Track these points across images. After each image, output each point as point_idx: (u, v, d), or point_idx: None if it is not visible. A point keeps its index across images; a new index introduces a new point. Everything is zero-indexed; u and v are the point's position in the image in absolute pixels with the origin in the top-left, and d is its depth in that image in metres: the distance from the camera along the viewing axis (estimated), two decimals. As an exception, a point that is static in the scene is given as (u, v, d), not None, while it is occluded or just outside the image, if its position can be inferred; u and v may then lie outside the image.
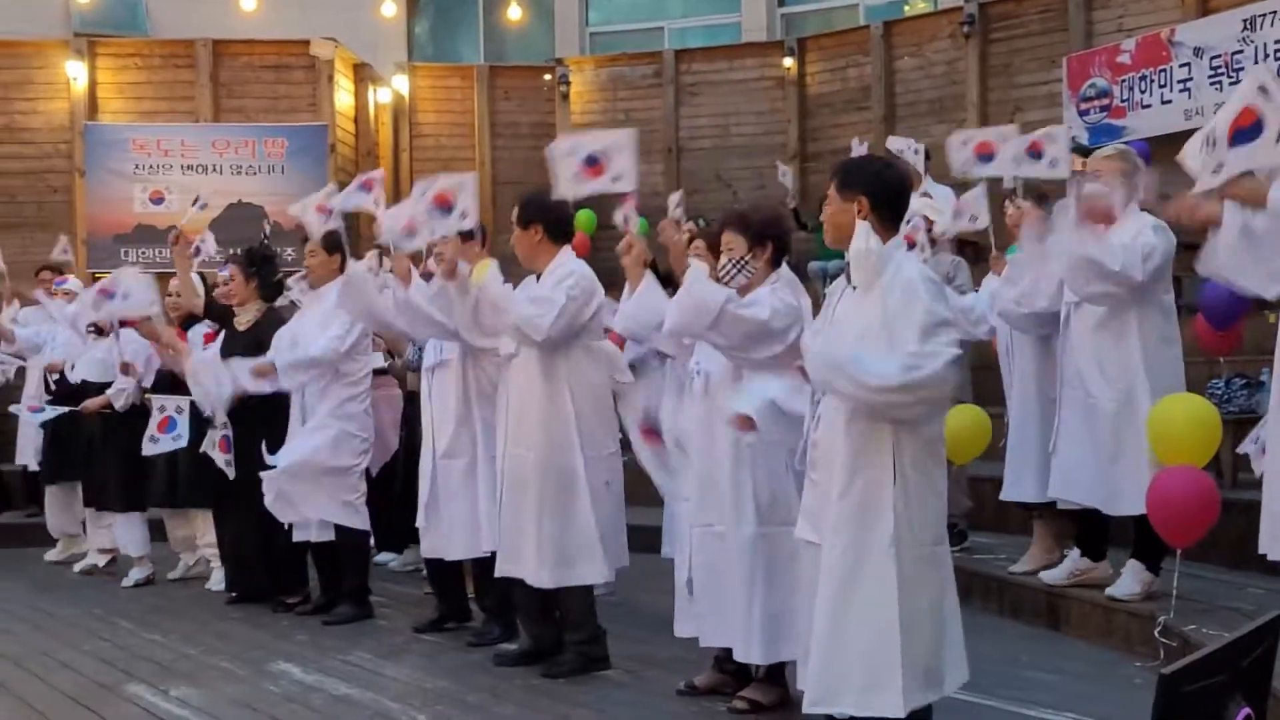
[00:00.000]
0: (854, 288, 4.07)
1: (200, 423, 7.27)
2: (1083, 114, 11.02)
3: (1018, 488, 6.65)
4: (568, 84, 13.67)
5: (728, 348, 4.89)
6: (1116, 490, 5.81)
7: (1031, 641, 6.17)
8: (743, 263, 4.95)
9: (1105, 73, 10.94)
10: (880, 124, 12.39)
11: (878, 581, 3.92)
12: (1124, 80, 10.79)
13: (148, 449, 7.54)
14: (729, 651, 5.14)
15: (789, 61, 13.14)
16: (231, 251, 9.40)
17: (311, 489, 6.83)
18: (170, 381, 7.75)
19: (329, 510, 6.87)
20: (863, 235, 4.03)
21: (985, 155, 6.38)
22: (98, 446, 8.19)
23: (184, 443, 7.48)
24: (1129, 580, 5.93)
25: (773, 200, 10.96)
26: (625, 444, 5.89)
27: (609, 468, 5.75)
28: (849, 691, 3.96)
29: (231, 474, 7.07)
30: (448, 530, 6.33)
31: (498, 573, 5.80)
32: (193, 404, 7.33)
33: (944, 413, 4.14)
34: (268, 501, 6.84)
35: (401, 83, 13.76)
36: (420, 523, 6.46)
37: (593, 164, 5.37)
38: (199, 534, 8.09)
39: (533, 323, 5.45)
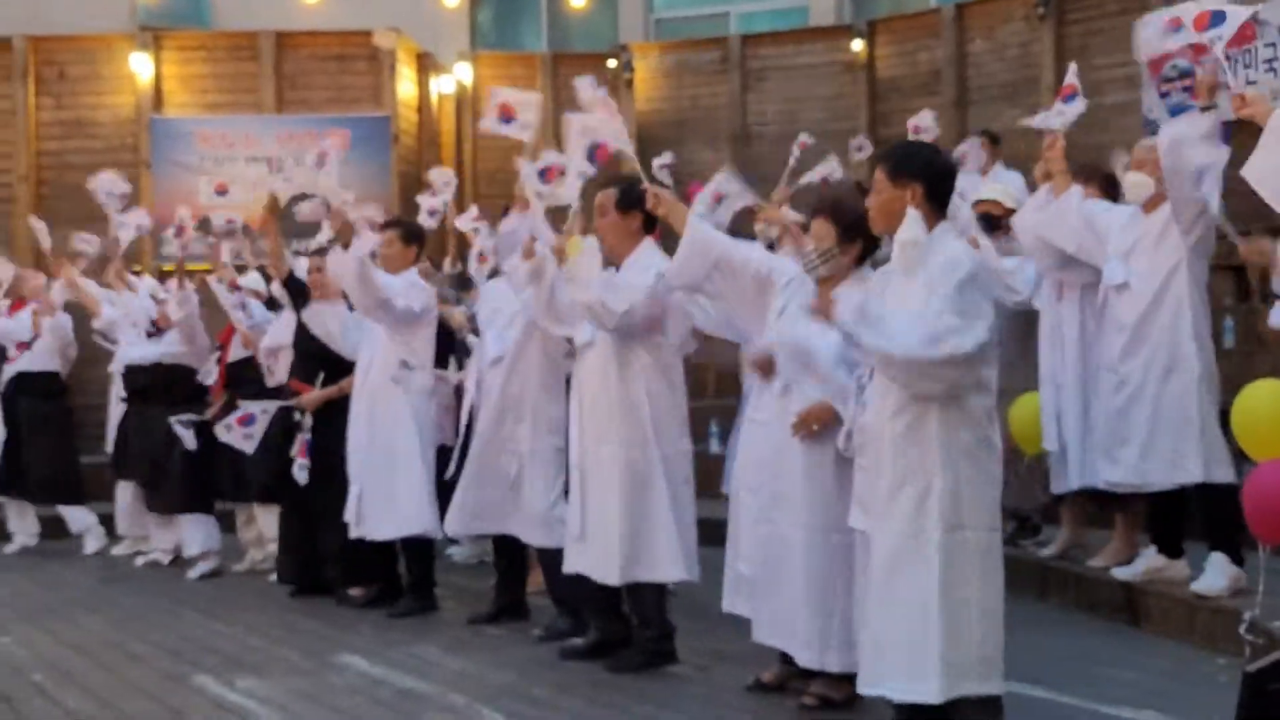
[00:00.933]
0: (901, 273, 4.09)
1: (289, 426, 7.27)
2: (1164, 96, 10.74)
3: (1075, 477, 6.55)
4: (632, 71, 13.56)
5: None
6: (1156, 465, 5.87)
7: (1110, 637, 6.03)
8: (830, 254, 4.80)
9: (1187, 53, 10.66)
10: (952, 108, 12.17)
11: (922, 567, 3.94)
12: (1206, 61, 10.51)
13: (220, 434, 7.54)
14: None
15: (858, 45, 12.95)
16: (306, 245, 9.40)
17: (380, 509, 6.82)
18: (259, 390, 7.77)
19: (398, 526, 6.83)
20: (913, 224, 4.05)
21: None
22: (161, 449, 8.20)
23: (251, 447, 7.45)
24: (1214, 575, 5.78)
25: (841, 188, 10.77)
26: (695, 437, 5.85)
27: (684, 465, 5.64)
28: (891, 675, 4.00)
29: (303, 479, 7.05)
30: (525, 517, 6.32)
31: (566, 568, 5.75)
32: (280, 409, 7.35)
33: (989, 394, 4.07)
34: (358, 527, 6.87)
35: (464, 72, 13.72)
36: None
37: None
38: (266, 529, 8.10)
39: (606, 307, 5.37)
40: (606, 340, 5.55)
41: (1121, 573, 6.29)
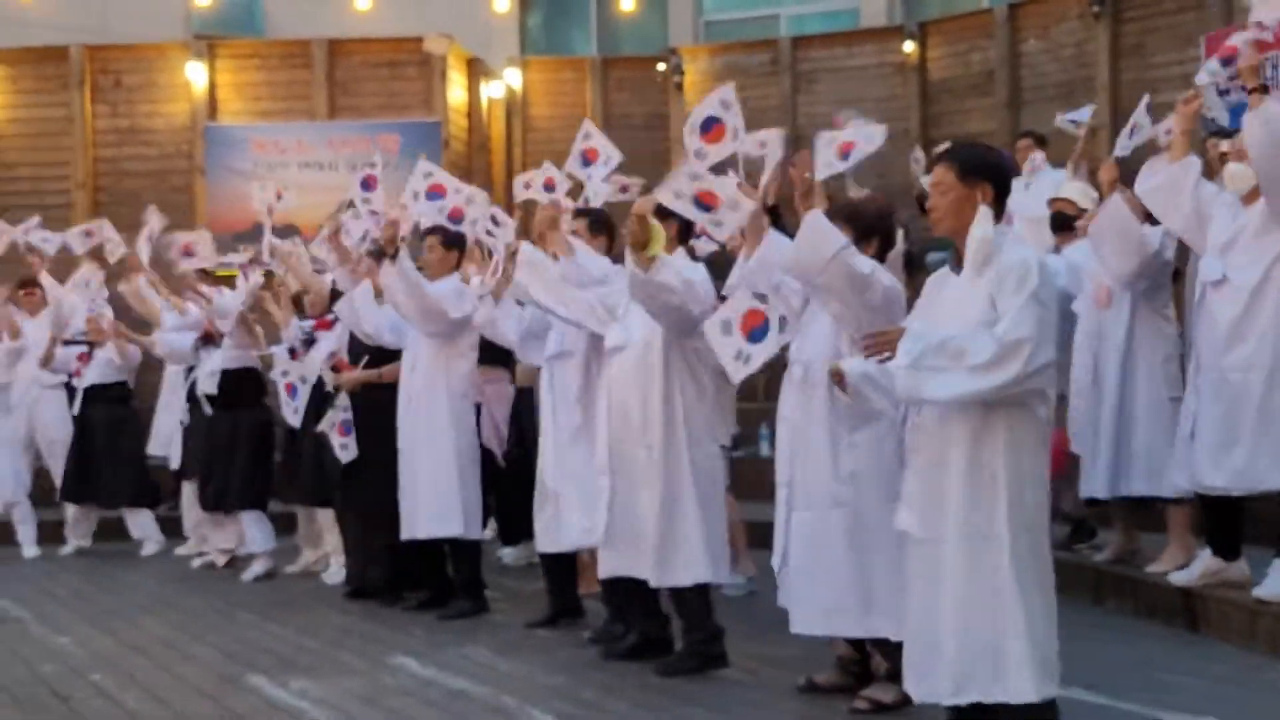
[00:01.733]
0: (957, 273, 4.07)
1: (320, 402, 7.28)
2: (1223, 94, 10.58)
3: (1124, 482, 6.47)
4: (682, 74, 13.52)
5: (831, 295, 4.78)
6: (1264, 469, 5.65)
7: (1168, 643, 5.94)
8: None
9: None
10: (1004, 109, 12.07)
11: (997, 566, 3.93)
12: (1267, 58, 10.35)
13: (287, 414, 7.59)
14: (853, 651, 5.06)
15: (909, 46, 12.87)
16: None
17: (417, 509, 6.84)
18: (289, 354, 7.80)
19: (429, 526, 6.84)
20: (985, 222, 4.01)
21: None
22: (220, 450, 8.26)
23: (297, 421, 7.48)
24: (1276, 581, 5.67)
25: (895, 189, 10.71)
26: (736, 441, 5.81)
27: (713, 467, 5.62)
28: (983, 678, 3.94)
29: (346, 457, 7.05)
30: (561, 521, 6.27)
31: (602, 573, 5.74)
32: (318, 382, 7.36)
33: (1050, 399, 4.06)
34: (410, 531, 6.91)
35: (514, 77, 13.78)
36: (537, 513, 6.41)
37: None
38: (327, 530, 8.14)
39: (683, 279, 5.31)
40: (639, 344, 5.54)
41: (1179, 578, 6.17)
